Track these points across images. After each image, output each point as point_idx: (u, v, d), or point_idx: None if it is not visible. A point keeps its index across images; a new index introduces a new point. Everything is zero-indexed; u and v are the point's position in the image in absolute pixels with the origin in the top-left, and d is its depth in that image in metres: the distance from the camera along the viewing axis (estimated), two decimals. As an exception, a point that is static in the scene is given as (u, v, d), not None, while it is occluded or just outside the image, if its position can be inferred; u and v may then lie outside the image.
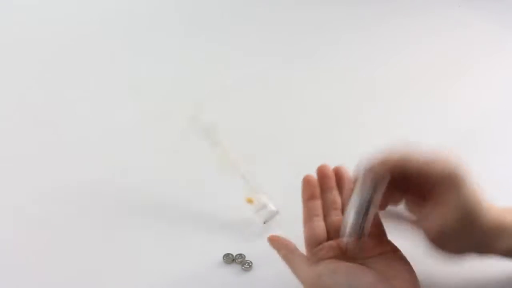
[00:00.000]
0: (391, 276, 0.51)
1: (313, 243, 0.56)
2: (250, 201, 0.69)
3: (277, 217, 0.68)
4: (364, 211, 0.53)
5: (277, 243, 0.58)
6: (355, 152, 0.67)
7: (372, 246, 0.54)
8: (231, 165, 0.70)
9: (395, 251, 0.55)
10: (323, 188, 0.60)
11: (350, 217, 0.53)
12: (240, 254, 0.64)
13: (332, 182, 0.61)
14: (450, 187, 0.51)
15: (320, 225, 0.57)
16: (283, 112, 0.91)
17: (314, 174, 0.61)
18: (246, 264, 0.63)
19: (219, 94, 0.96)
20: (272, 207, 0.68)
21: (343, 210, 0.59)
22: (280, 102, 0.94)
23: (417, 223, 0.53)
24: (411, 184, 0.53)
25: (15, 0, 1.28)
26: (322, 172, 0.61)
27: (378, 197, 0.53)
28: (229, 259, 0.63)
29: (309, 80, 0.99)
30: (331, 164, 0.62)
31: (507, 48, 1.07)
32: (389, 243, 0.56)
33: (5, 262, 0.65)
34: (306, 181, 0.60)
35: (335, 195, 0.60)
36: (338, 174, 0.61)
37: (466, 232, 0.51)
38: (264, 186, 0.70)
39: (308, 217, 0.58)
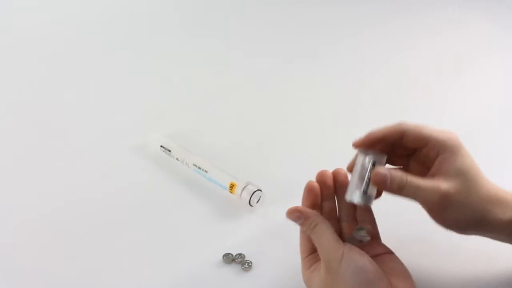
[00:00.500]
0: (389, 275, 0.51)
1: (308, 250, 0.55)
2: (232, 186, 0.71)
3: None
4: (366, 182, 0.53)
5: (304, 213, 0.53)
6: (355, 152, 0.67)
7: (368, 249, 0.54)
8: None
9: (389, 253, 0.55)
10: (322, 196, 0.58)
11: (353, 186, 0.53)
12: (240, 254, 0.64)
13: (331, 190, 0.58)
14: (449, 154, 0.51)
15: None
16: (283, 112, 0.91)
17: (313, 176, 0.61)
18: (246, 264, 0.63)
19: (219, 94, 0.96)
20: (251, 187, 0.70)
21: (339, 218, 0.58)
22: (280, 102, 0.94)
23: (419, 194, 0.51)
24: (412, 152, 0.55)
25: (16, 1, 1.28)
26: (321, 181, 0.57)
27: (382, 165, 0.53)
28: (229, 259, 0.63)
29: (309, 80, 0.99)
30: (331, 165, 0.62)
31: (506, 48, 1.07)
32: (383, 246, 0.56)
33: (5, 263, 0.65)
34: (309, 189, 0.56)
35: (333, 204, 0.58)
36: (337, 179, 0.58)
37: (467, 200, 0.51)
38: (264, 184, 0.71)
39: None
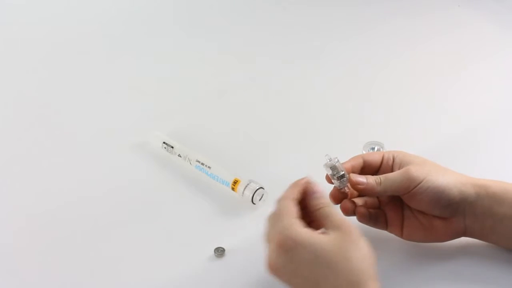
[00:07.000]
0: None
1: (297, 213, 0.58)
2: (236, 182, 0.71)
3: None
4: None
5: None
6: (356, 152, 0.67)
7: None
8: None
9: None
10: None
11: None
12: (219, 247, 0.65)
13: None
14: (402, 154, 0.63)
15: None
16: (284, 111, 0.91)
17: (315, 175, 0.61)
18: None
19: (220, 94, 0.96)
20: (254, 184, 0.70)
21: None
22: (281, 102, 0.94)
23: (393, 183, 0.60)
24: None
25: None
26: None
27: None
28: (220, 252, 0.64)
29: (309, 80, 0.99)
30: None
31: (507, 48, 1.07)
32: None
33: (5, 261, 0.65)
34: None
35: None
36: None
37: (434, 173, 0.60)
38: (266, 184, 0.71)
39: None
